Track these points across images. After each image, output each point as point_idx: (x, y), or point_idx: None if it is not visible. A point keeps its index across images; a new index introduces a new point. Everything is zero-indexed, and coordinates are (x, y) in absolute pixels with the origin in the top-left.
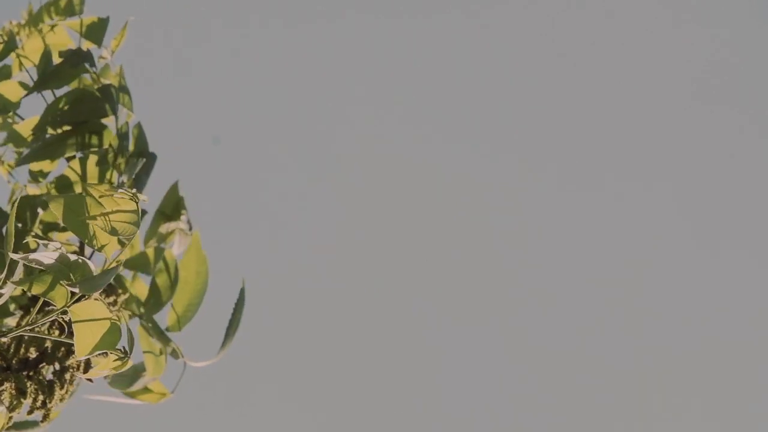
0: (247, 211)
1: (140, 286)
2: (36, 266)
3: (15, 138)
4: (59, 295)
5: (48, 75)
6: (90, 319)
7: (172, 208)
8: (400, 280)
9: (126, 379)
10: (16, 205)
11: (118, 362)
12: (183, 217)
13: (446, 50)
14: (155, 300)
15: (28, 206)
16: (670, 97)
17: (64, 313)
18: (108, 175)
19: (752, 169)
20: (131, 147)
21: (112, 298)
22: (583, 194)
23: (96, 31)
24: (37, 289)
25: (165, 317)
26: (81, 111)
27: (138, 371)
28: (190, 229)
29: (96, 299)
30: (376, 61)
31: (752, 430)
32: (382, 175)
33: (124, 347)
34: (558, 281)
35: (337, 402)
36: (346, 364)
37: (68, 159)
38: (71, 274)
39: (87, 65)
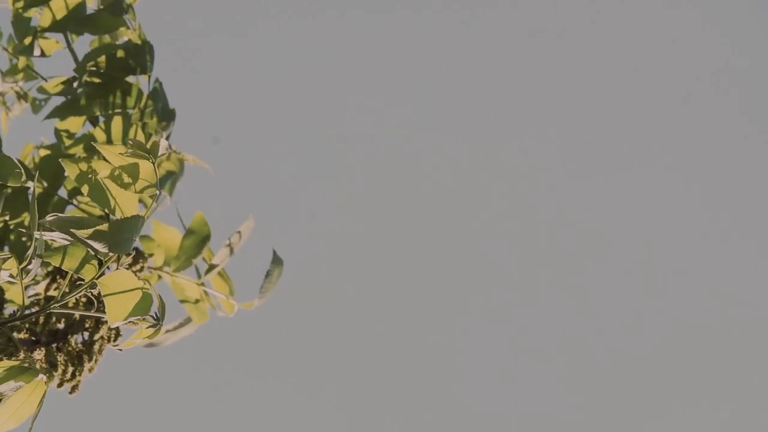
0: (248, 210)
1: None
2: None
3: (41, 92)
4: (88, 270)
5: (85, 19)
6: (120, 291)
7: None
8: (400, 277)
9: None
10: (36, 178)
11: (151, 330)
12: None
13: (444, 47)
14: (186, 257)
15: (53, 166)
16: (670, 96)
17: (94, 286)
18: (133, 135)
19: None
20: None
21: (139, 265)
22: (583, 192)
23: None
24: (68, 264)
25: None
26: (116, 66)
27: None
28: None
29: (125, 267)
30: (377, 59)
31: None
32: (384, 174)
33: (156, 313)
34: (561, 280)
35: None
36: (357, 361)
37: (92, 122)
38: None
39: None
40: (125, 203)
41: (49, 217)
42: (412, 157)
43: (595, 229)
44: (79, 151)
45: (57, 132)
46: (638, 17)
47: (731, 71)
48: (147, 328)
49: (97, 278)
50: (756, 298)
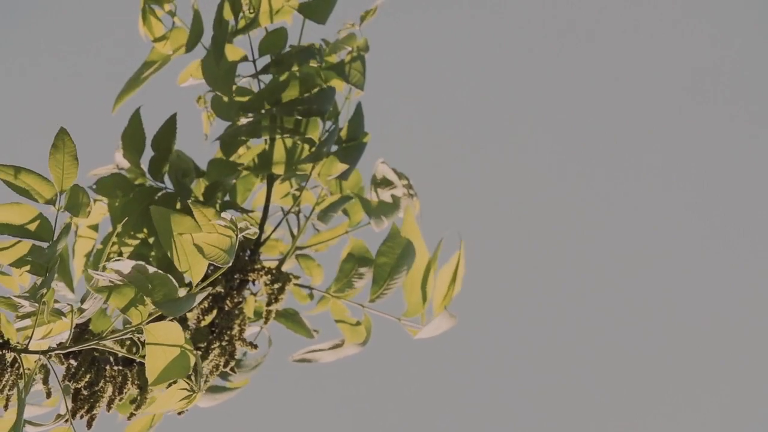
0: None
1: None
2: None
3: (223, 107)
4: (134, 312)
5: (272, 65)
6: (163, 343)
7: (381, 179)
8: None
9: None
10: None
11: (185, 401)
12: (401, 182)
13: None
14: (346, 280)
15: (221, 171)
16: (670, 94)
17: (140, 332)
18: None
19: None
20: (343, 126)
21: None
22: (583, 190)
23: (321, 10)
24: (115, 302)
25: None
26: (294, 107)
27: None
28: (412, 195)
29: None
30: (382, 56)
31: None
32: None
33: (191, 379)
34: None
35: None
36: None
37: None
38: (150, 287)
39: (315, 60)
40: (196, 265)
41: (116, 265)
42: (416, 155)
43: (595, 228)
44: (248, 160)
45: (224, 140)
46: (636, 15)
47: (730, 69)
48: (179, 393)
49: (145, 324)
50: (754, 295)
